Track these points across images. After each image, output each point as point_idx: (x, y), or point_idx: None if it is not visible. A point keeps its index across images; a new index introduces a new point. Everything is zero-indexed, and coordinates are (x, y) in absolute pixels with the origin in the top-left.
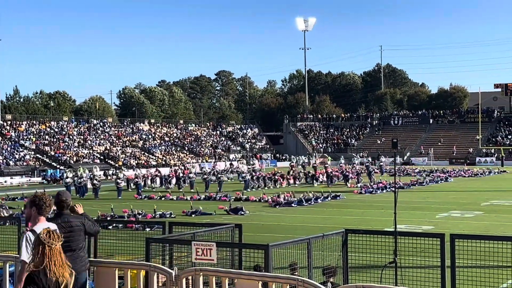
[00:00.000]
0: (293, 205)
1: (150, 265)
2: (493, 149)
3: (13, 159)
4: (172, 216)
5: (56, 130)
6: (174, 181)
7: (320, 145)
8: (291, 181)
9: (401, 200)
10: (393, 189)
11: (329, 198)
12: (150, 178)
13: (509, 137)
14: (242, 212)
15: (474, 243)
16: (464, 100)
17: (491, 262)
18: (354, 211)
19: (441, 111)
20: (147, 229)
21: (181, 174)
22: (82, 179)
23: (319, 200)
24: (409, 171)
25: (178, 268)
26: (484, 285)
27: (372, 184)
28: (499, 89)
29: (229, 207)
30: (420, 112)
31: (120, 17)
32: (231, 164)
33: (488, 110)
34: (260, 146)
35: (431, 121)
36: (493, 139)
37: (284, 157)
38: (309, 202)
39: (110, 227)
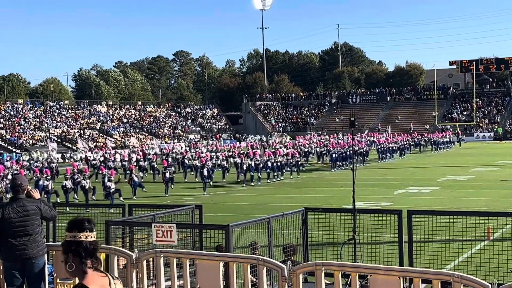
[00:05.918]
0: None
1: (110, 248)
2: (449, 125)
3: None
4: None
5: (12, 113)
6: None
7: (280, 125)
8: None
9: (360, 177)
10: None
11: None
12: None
13: (465, 113)
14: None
15: (431, 218)
16: (420, 77)
17: (447, 237)
18: (314, 190)
19: (398, 89)
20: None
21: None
22: (38, 162)
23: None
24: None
25: (139, 250)
26: (440, 259)
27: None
28: (454, 66)
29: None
30: (377, 90)
31: None
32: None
33: (443, 87)
34: (220, 126)
35: (388, 99)
36: (449, 116)
37: (243, 137)
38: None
39: (68, 208)
